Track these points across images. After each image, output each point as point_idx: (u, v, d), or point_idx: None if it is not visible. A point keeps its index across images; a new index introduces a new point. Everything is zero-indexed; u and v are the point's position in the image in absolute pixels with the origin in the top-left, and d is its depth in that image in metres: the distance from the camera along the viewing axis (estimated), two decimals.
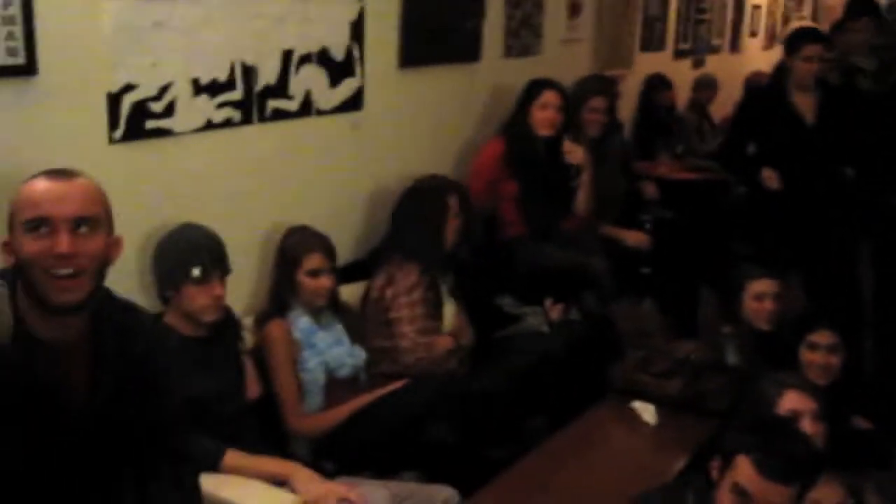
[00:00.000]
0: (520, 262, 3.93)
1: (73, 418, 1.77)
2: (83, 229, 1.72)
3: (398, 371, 3.18)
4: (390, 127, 3.83)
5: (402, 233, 3.44)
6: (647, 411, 3.24)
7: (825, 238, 4.33)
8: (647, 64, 6.47)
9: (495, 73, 4.49)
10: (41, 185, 1.74)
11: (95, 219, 1.75)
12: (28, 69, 2.42)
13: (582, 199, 4.32)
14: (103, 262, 1.77)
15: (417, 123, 4.02)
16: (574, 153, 4.25)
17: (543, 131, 4.11)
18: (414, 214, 3.45)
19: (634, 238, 4.56)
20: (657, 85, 6.43)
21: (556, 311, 3.78)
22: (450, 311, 3.43)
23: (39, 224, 1.70)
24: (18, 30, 2.38)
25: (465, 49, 4.28)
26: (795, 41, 4.39)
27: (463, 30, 4.22)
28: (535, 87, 4.16)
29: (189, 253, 2.60)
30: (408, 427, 2.89)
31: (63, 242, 1.68)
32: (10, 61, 2.38)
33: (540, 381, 3.45)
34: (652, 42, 6.60)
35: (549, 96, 4.12)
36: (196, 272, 2.56)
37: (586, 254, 4.14)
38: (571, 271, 4.00)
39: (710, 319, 3.66)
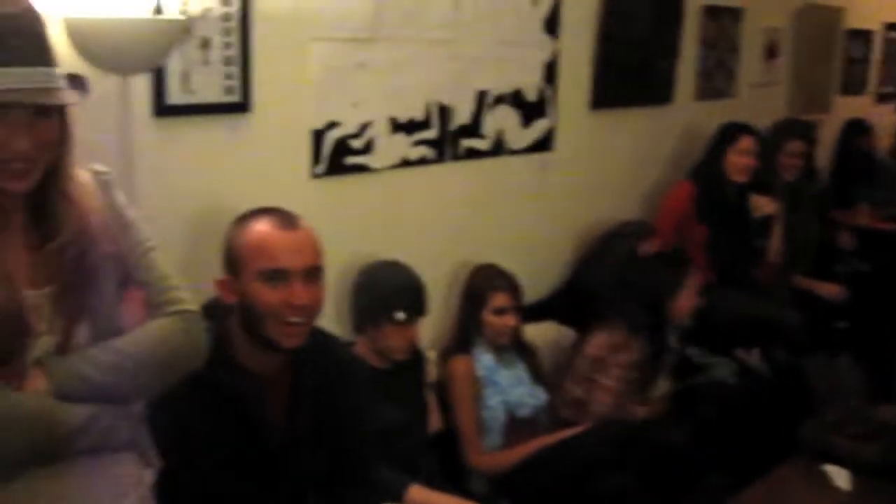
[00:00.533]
0: (707, 310, 3.81)
1: (272, 441, 1.84)
2: (312, 278, 1.82)
3: (581, 419, 3.14)
4: (579, 168, 3.82)
5: (626, 300, 3.34)
6: (840, 476, 3.05)
7: None
8: (847, 108, 6.19)
9: (687, 115, 4.41)
10: (272, 234, 1.82)
11: (321, 267, 1.86)
12: (242, 107, 2.57)
13: (774, 247, 4.16)
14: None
15: (606, 165, 4.00)
16: (762, 206, 4.10)
17: (738, 177, 4.00)
18: (642, 287, 3.35)
19: (829, 290, 4.35)
20: (857, 130, 6.12)
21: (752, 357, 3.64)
22: (662, 389, 3.34)
23: (277, 275, 1.78)
24: (236, 70, 2.53)
25: (657, 91, 4.23)
26: None
27: (656, 71, 4.18)
28: (732, 132, 4.05)
29: (395, 295, 2.65)
30: (588, 473, 2.84)
31: (301, 295, 1.79)
32: (227, 99, 2.53)
33: (725, 434, 3.32)
34: (852, 85, 6.32)
35: (746, 142, 4.01)
36: (400, 316, 2.62)
37: (778, 304, 3.98)
38: (762, 322, 3.85)
39: None
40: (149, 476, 1.51)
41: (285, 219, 1.86)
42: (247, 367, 1.84)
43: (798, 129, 4.53)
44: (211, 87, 2.48)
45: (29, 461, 1.28)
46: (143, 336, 1.41)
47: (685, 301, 3.28)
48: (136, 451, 1.48)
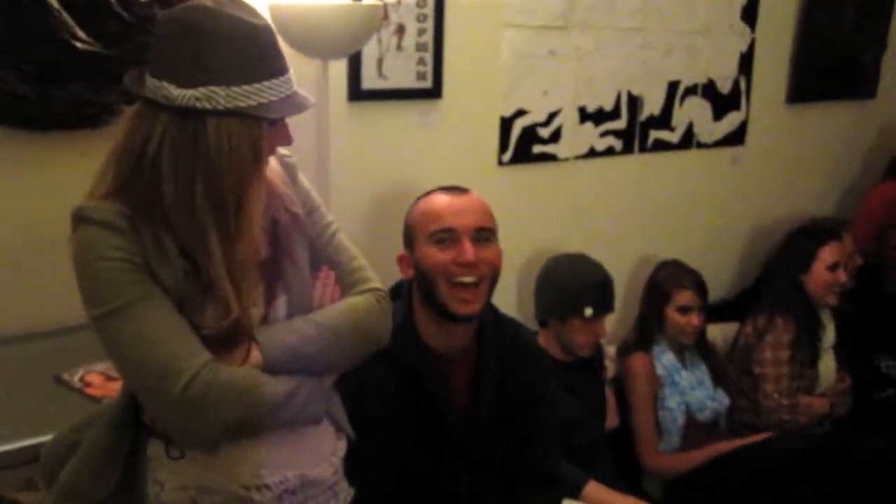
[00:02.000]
0: None
1: (454, 423, 1.84)
2: (482, 239, 1.82)
3: (761, 424, 3.01)
4: (772, 164, 3.66)
5: (773, 281, 3.23)
6: None
7: None
8: None
9: (892, 110, 4.14)
10: (441, 199, 1.86)
11: (491, 229, 1.86)
12: (434, 92, 2.59)
13: None
14: (497, 272, 1.86)
15: (801, 161, 3.81)
16: None
17: None
18: (783, 262, 3.24)
19: None
20: None
21: None
22: (827, 368, 3.16)
23: (445, 235, 1.80)
24: (429, 56, 2.55)
25: (860, 85, 3.99)
26: None
27: (860, 64, 3.94)
28: None
29: (584, 290, 2.60)
30: (768, 483, 2.71)
31: (469, 251, 1.79)
32: (420, 84, 2.56)
33: None
34: None
35: None
36: (589, 312, 2.57)
37: None
38: None
39: None
40: (342, 446, 1.54)
41: (452, 188, 1.90)
42: (431, 346, 1.86)
43: None
44: (404, 72, 2.52)
45: (236, 433, 1.33)
46: (339, 311, 1.45)
47: (820, 275, 3.06)
48: (331, 421, 1.51)
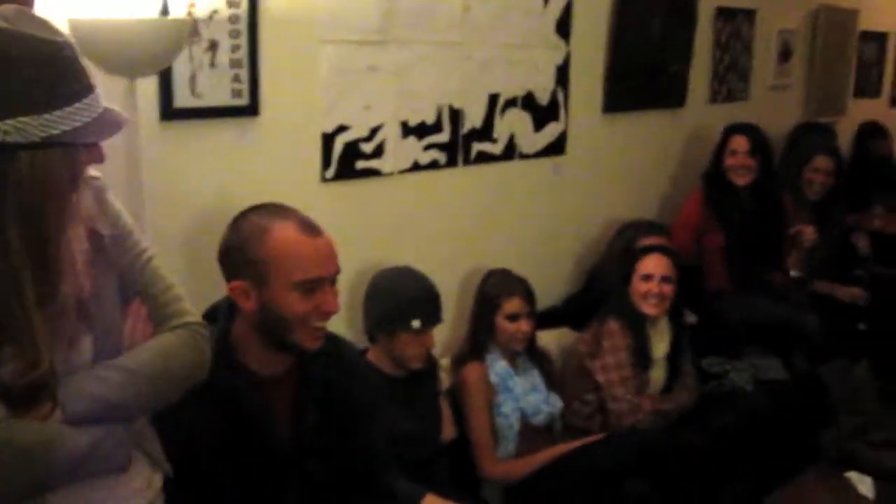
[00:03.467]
0: (725, 316, 3.75)
1: (279, 445, 1.80)
2: (335, 283, 1.80)
3: (595, 426, 3.09)
4: (592, 172, 3.78)
5: (606, 290, 3.33)
6: (864, 484, 2.98)
7: None
8: (861, 111, 6.13)
9: (700, 118, 4.36)
10: (306, 243, 1.76)
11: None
12: (251, 110, 2.53)
13: (795, 259, 4.08)
14: None
15: (619, 169, 3.95)
16: (807, 237, 4.02)
17: (737, 180, 3.94)
18: (612, 272, 3.35)
19: (850, 294, 4.27)
20: (872, 133, 6.06)
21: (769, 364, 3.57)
22: (657, 375, 3.27)
23: (312, 286, 1.75)
24: (244, 73, 2.49)
25: (669, 94, 4.18)
26: None
27: (668, 74, 4.13)
28: (726, 133, 4.01)
29: (411, 303, 2.60)
30: (604, 482, 2.78)
31: (335, 302, 1.77)
32: (236, 102, 2.49)
33: (743, 442, 3.25)
34: (867, 88, 6.26)
35: (736, 142, 3.96)
36: (416, 324, 2.57)
37: (797, 309, 3.91)
38: (780, 327, 3.79)
39: None
40: (158, 480, 1.47)
41: (310, 227, 1.80)
42: (251, 369, 1.80)
43: (824, 142, 4.45)
44: (218, 90, 2.45)
45: (27, 494, 1.23)
46: (150, 353, 1.37)
47: (637, 286, 3.19)
48: (146, 456, 1.44)
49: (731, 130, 4.01)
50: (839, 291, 4.26)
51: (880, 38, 6.34)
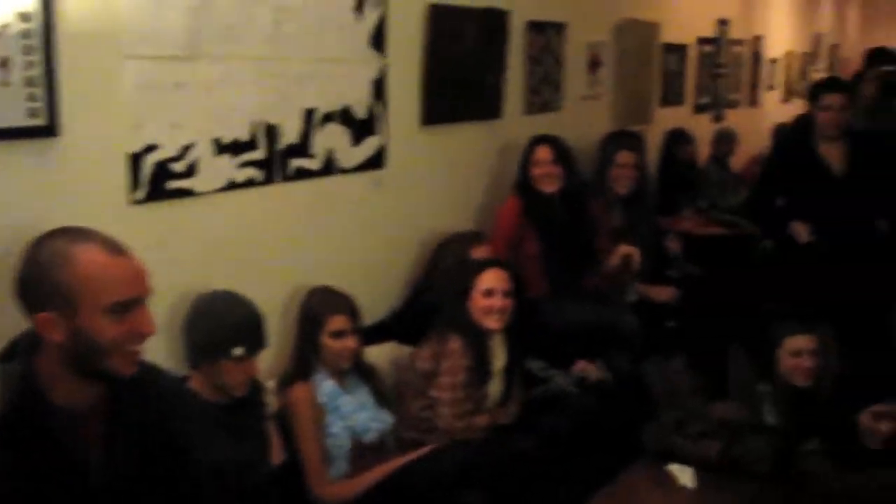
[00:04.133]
0: (545, 322, 3.83)
1: (92, 481, 1.70)
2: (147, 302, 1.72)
3: (427, 439, 3.08)
4: (413, 185, 3.78)
5: (442, 306, 3.32)
6: (684, 474, 3.11)
7: (859, 292, 4.23)
8: (667, 119, 6.44)
9: (516, 129, 4.45)
10: (112, 263, 1.67)
11: None
12: (49, 130, 2.38)
13: (605, 267, 4.22)
14: None
15: (440, 181, 3.98)
16: (634, 263, 4.16)
17: (546, 188, 4.06)
18: (448, 289, 3.35)
19: (662, 293, 4.46)
20: (678, 139, 6.39)
21: (584, 368, 3.66)
22: (495, 389, 3.30)
23: (124, 308, 1.66)
24: (40, 91, 2.34)
25: (486, 106, 4.25)
26: (815, 91, 4.38)
27: (484, 87, 4.19)
28: (530, 144, 4.13)
29: (232, 330, 2.51)
30: (438, 494, 2.78)
31: (151, 322, 1.69)
32: (32, 122, 2.34)
33: (570, 443, 3.33)
34: (671, 97, 6.58)
35: (539, 152, 4.08)
36: (238, 352, 2.49)
37: (614, 311, 4.04)
38: (599, 330, 3.91)
39: (744, 378, 3.54)
40: None
41: (110, 243, 1.71)
42: (57, 403, 1.68)
43: (624, 140, 4.65)
44: (12, 109, 2.29)
45: None
46: None
47: (478, 302, 3.23)
48: None
49: (535, 142, 4.13)
50: (653, 292, 4.44)
51: (681, 50, 6.68)
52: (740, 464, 3.06)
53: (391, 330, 3.56)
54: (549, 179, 4.06)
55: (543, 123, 4.59)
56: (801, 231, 4.18)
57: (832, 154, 4.24)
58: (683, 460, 3.15)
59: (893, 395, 3.22)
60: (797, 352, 3.29)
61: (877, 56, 5.59)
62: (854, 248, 4.17)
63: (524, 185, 4.10)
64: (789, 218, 4.25)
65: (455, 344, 3.14)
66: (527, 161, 4.10)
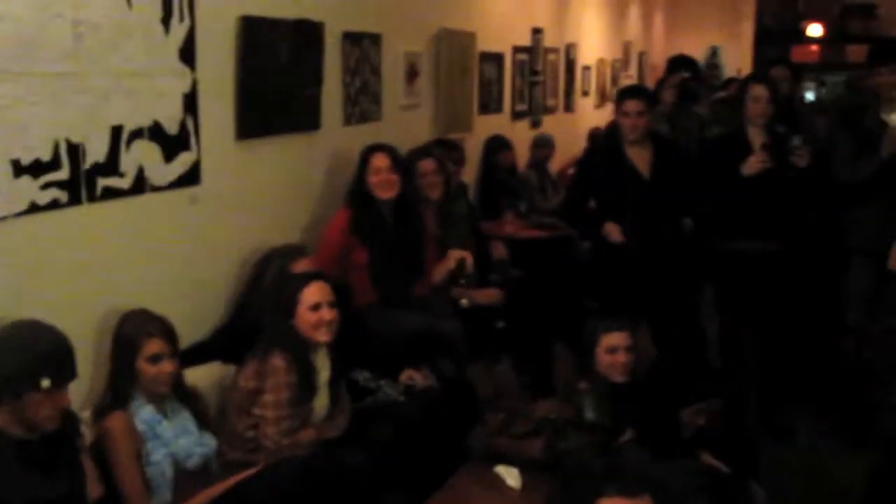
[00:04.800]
0: (373, 331, 3.84)
1: None
2: None
3: (252, 459, 3.02)
4: (231, 200, 3.71)
5: (265, 324, 3.27)
6: (510, 475, 3.19)
7: (669, 287, 4.46)
8: (487, 126, 6.58)
9: (336, 141, 4.44)
10: None
11: None
12: None
13: (436, 272, 4.27)
14: None
15: (260, 195, 3.92)
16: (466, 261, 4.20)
17: (383, 195, 4.09)
18: (270, 305, 3.31)
19: (487, 296, 4.54)
20: (497, 146, 6.54)
21: (410, 375, 3.69)
22: (321, 403, 3.27)
23: None
24: None
25: (304, 118, 4.21)
26: (618, 98, 4.61)
27: (301, 99, 4.16)
28: (365, 154, 4.15)
29: (37, 361, 2.36)
30: None
31: None
32: None
33: (399, 452, 3.34)
34: (490, 105, 6.73)
35: (377, 160, 4.11)
36: (46, 384, 2.35)
37: (439, 317, 4.10)
38: (425, 336, 3.95)
39: (566, 376, 3.67)
40: None
41: None
42: None
43: (424, 149, 4.72)
44: None
45: None
46: None
47: (305, 316, 3.22)
48: None
49: (370, 150, 4.14)
50: (476, 295, 4.50)
51: (498, 59, 6.85)
52: (563, 461, 3.17)
53: (215, 349, 3.47)
54: (387, 186, 4.09)
55: (364, 134, 4.60)
56: (612, 231, 4.37)
57: (639, 157, 4.46)
58: (509, 461, 3.23)
59: (703, 386, 3.42)
60: (613, 348, 3.44)
61: (676, 63, 5.91)
62: (662, 246, 4.39)
63: (358, 194, 4.10)
64: (602, 219, 4.43)
65: (278, 361, 3.10)
66: (363, 170, 4.10)
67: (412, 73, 5.37)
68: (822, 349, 5.27)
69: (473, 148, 6.31)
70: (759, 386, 4.67)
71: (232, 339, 3.48)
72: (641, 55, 11.97)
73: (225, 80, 3.65)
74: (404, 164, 4.28)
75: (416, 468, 3.38)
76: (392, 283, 4.08)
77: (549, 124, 7.93)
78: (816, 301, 5.23)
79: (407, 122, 5.27)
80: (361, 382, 3.65)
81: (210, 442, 2.97)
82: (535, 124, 7.71)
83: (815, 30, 13.30)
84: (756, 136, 4.37)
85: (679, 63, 5.90)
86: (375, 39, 4.86)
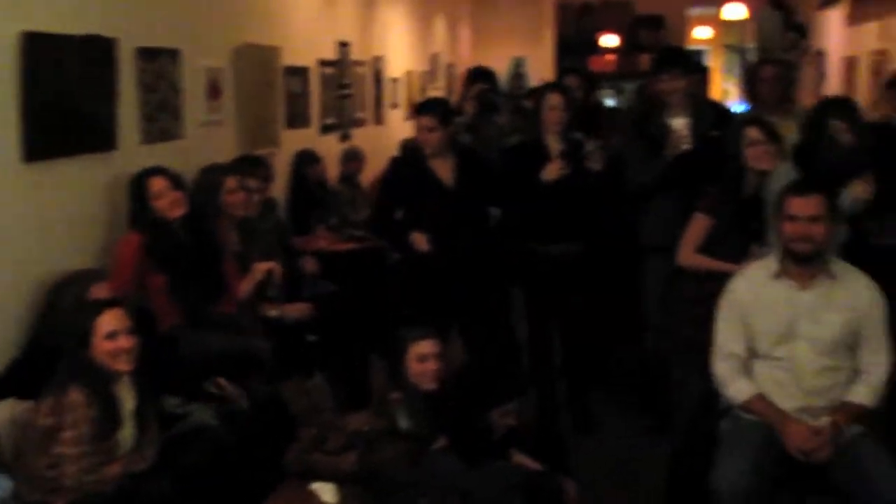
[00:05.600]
0: (180, 355, 3.74)
1: None
2: None
3: (55, 500, 2.88)
4: (19, 225, 3.53)
5: (61, 357, 3.11)
6: (326, 491, 3.17)
7: (476, 293, 4.57)
8: (295, 141, 6.53)
9: (135, 159, 4.28)
10: None
11: None
12: None
13: (242, 286, 4.21)
14: None
15: (51, 219, 3.73)
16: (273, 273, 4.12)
17: (173, 214, 4.00)
18: (65, 337, 3.16)
19: (297, 310, 4.50)
20: (306, 160, 6.51)
21: (222, 384, 3.61)
22: (127, 435, 3.15)
23: None
24: None
25: (98, 138, 4.04)
26: (413, 113, 4.70)
27: (93, 118, 3.99)
28: (139, 179, 4.03)
29: None
30: None
31: None
32: None
33: (212, 476, 3.27)
34: (297, 119, 6.68)
35: (155, 185, 4.00)
36: None
37: (247, 335, 4.03)
38: (233, 356, 3.87)
39: (380, 387, 3.69)
40: None
41: None
42: None
43: (229, 166, 4.64)
44: None
45: None
46: None
47: (101, 346, 3.09)
48: None
49: (145, 175, 4.02)
50: (287, 310, 4.45)
51: (303, 73, 6.81)
52: (378, 472, 3.18)
53: (10, 383, 3.29)
54: (175, 205, 4.00)
55: (164, 152, 4.47)
56: (419, 241, 4.44)
57: (442, 168, 4.55)
58: (324, 476, 3.21)
59: (512, 387, 3.52)
60: (422, 357, 3.48)
61: (474, 75, 6.08)
62: (467, 253, 4.50)
63: (141, 219, 3.97)
64: (409, 229, 4.49)
65: (76, 395, 2.97)
66: (143, 196, 3.98)
67: (214, 89, 5.26)
68: (624, 345, 5.55)
69: (282, 163, 6.25)
70: (568, 384, 4.86)
71: (28, 373, 3.30)
72: (449, 67, 12.21)
73: (7, 99, 3.46)
74: (206, 182, 4.19)
75: (231, 491, 3.31)
76: (194, 302, 3.98)
77: (360, 137, 7.95)
78: (618, 299, 5.50)
79: (210, 138, 5.15)
80: (170, 409, 3.54)
81: (5, 484, 2.80)
82: (345, 137, 7.72)
83: (610, 40, 13.99)
84: (553, 143, 4.54)
85: (477, 75, 6.06)
86: (173, 55, 4.73)
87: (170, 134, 4.70)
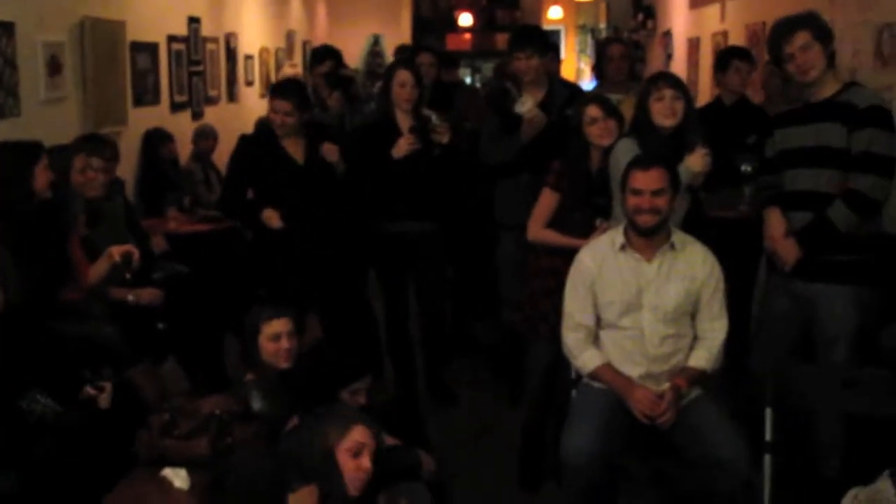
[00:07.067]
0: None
1: None
2: None
3: None
4: None
5: None
6: (178, 477, 3.10)
7: (332, 269, 4.57)
8: (144, 119, 6.34)
9: None
10: None
11: None
12: None
13: (93, 273, 4.04)
14: None
15: None
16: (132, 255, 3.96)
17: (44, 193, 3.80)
18: None
19: (145, 295, 4.35)
20: (157, 139, 6.34)
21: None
22: None
23: None
24: None
25: None
26: (269, 94, 4.67)
27: None
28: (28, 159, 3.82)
29: None
30: None
31: None
32: None
33: (61, 467, 3.16)
34: (146, 97, 6.48)
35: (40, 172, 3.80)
36: None
37: (96, 324, 3.89)
38: (80, 344, 3.73)
39: (235, 368, 3.64)
40: None
41: None
42: None
43: (82, 143, 4.45)
44: None
45: None
46: None
47: None
48: None
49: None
50: (134, 295, 4.27)
51: (151, 48, 6.60)
52: (229, 456, 3.13)
53: None
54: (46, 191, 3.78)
55: (2, 130, 4.26)
56: (271, 217, 4.39)
57: (293, 146, 4.51)
58: (176, 462, 3.15)
59: (364, 367, 3.52)
60: (275, 336, 3.46)
61: (319, 54, 6.01)
62: (321, 230, 4.48)
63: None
64: (260, 207, 4.44)
65: None
66: (24, 174, 3.72)
67: (55, 65, 5.04)
68: (483, 318, 5.66)
69: (130, 142, 6.05)
70: (425, 357, 4.92)
71: None
72: (305, 44, 12.05)
73: None
74: (55, 165, 3.99)
75: (82, 480, 3.21)
76: (33, 288, 3.80)
77: (212, 115, 7.78)
78: (476, 274, 5.60)
79: (51, 117, 4.95)
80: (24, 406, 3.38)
81: None
82: (197, 116, 7.53)
83: (465, 19, 14.13)
84: (404, 120, 4.55)
85: (322, 53, 5.99)
86: (8, 28, 4.52)
87: (7, 112, 4.50)
